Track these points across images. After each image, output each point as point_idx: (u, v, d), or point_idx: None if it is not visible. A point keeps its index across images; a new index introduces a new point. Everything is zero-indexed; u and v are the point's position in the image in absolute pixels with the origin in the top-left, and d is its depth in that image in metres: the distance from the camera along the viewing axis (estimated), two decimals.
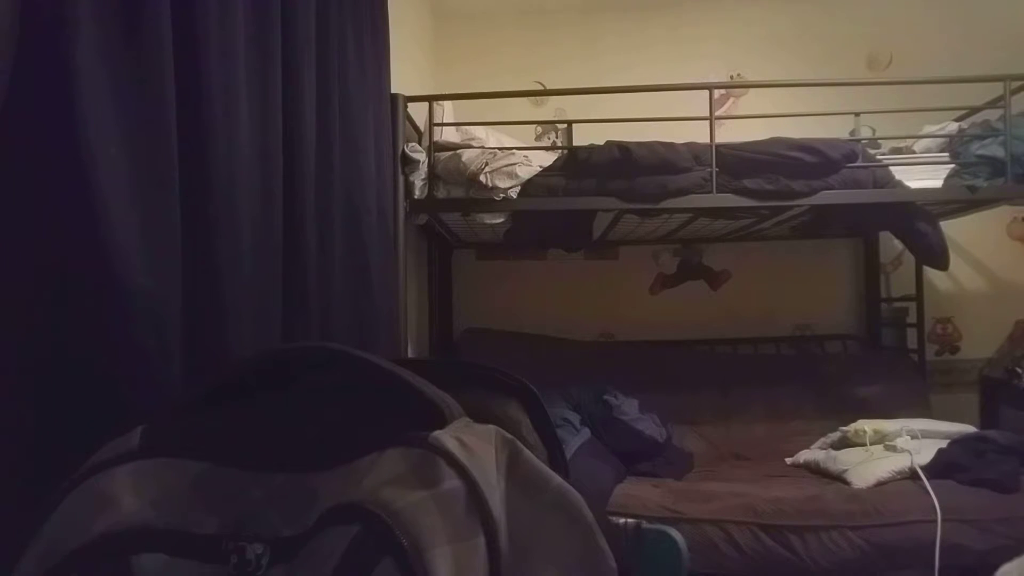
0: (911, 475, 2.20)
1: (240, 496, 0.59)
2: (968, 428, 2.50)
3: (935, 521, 1.98)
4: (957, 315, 3.34)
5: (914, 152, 2.64)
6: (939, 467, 2.20)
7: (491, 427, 0.64)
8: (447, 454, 0.57)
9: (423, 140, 2.40)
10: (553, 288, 3.38)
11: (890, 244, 3.31)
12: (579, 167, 2.32)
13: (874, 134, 2.89)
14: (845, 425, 2.56)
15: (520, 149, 2.37)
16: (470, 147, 2.32)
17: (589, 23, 3.45)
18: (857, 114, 2.96)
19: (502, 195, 2.28)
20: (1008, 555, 1.98)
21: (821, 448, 2.60)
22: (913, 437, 2.39)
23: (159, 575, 0.56)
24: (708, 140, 2.32)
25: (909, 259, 3.18)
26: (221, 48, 1.04)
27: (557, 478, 0.62)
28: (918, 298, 3.19)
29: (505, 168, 2.26)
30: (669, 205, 2.32)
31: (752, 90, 3.29)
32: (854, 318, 3.40)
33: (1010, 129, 2.31)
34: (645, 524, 0.79)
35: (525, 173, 2.29)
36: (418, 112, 2.41)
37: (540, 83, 3.23)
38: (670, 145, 2.32)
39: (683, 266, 3.39)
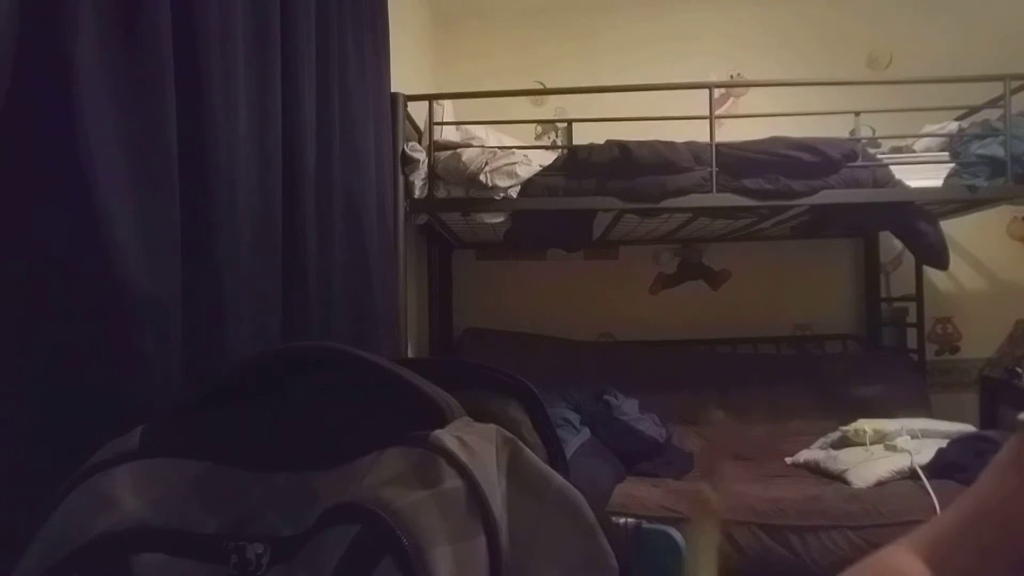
0: (911, 475, 2.20)
1: (240, 496, 0.59)
2: (968, 428, 2.50)
3: None
4: (957, 315, 3.34)
5: (914, 152, 2.64)
6: (939, 467, 2.20)
7: (492, 426, 0.64)
8: (448, 453, 0.57)
9: (423, 140, 2.40)
10: (553, 288, 3.38)
11: (890, 244, 3.31)
12: (579, 167, 2.32)
13: (874, 134, 2.89)
14: (845, 425, 2.56)
15: (520, 148, 2.37)
16: (470, 146, 2.32)
17: (589, 23, 3.45)
18: (857, 114, 2.96)
19: (502, 195, 2.28)
20: None
21: (821, 448, 2.60)
22: (913, 437, 2.39)
23: (159, 575, 0.56)
24: (708, 140, 2.32)
25: (909, 259, 3.18)
26: (221, 48, 1.03)
27: (558, 477, 0.62)
28: (918, 298, 3.19)
29: (505, 167, 2.26)
30: (669, 205, 2.32)
31: (752, 89, 3.29)
32: (854, 318, 3.40)
33: (1010, 129, 2.31)
34: (645, 524, 0.79)
35: (525, 173, 2.29)
36: (418, 112, 2.41)
37: (540, 83, 3.23)
38: (670, 145, 2.31)
39: (683, 266, 3.39)
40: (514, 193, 2.29)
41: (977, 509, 0.50)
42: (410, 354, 2.44)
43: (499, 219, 2.45)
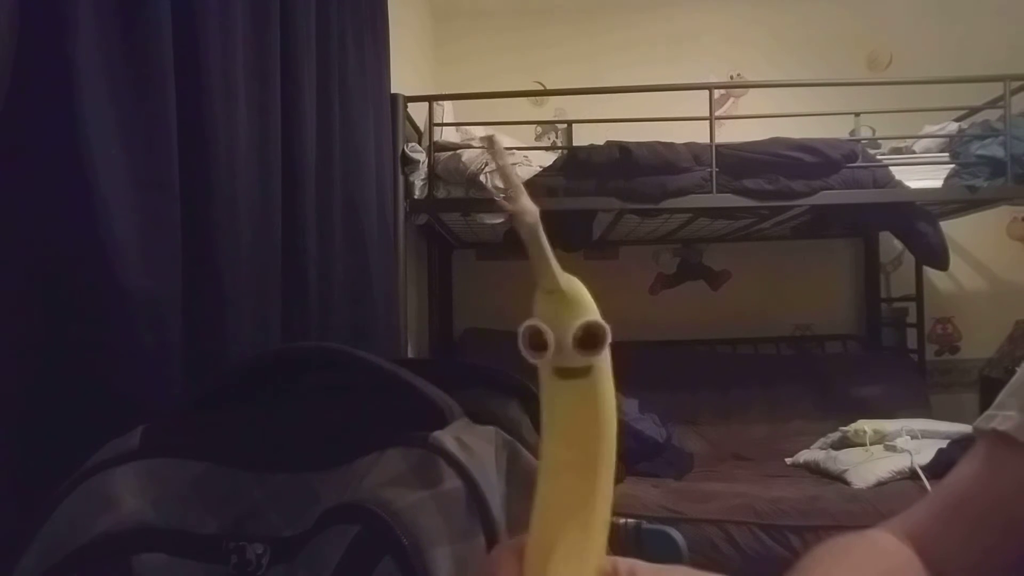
0: (911, 475, 2.20)
1: (240, 496, 0.59)
2: (968, 428, 2.49)
3: None
4: (957, 315, 3.34)
5: (914, 152, 2.65)
6: (939, 467, 2.20)
7: (491, 428, 0.64)
8: (447, 454, 0.57)
9: (423, 140, 2.40)
10: None
11: (890, 244, 3.31)
12: (579, 167, 2.32)
13: (874, 134, 2.89)
14: (845, 425, 2.56)
15: (520, 149, 2.38)
16: (470, 147, 2.32)
17: (589, 23, 3.45)
18: (857, 114, 2.97)
19: (502, 195, 2.28)
20: None
21: (821, 448, 2.60)
22: (913, 437, 2.39)
23: (159, 575, 0.56)
24: (708, 140, 2.33)
25: (909, 259, 3.18)
26: (221, 48, 1.03)
27: None
28: (918, 298, 3.19)
29: None
30: (669, 205, 2.32)
31: (752, 90, 3.29)
32: (854, 318, 3.40)
33: (1010, 129, 2.31)
34: (645, 524, 0.79)
35: (525, 173, 2.30)
36: (418, 112, 2.41)
37: (540, 83, 3.23)
38: (670, 145, 2.32)
39: (683, 266, 3.39)
40: None
41: (956, 498, 0.52)
42: (410, 354, 2.44)
43: (499, 220, 2.45)
